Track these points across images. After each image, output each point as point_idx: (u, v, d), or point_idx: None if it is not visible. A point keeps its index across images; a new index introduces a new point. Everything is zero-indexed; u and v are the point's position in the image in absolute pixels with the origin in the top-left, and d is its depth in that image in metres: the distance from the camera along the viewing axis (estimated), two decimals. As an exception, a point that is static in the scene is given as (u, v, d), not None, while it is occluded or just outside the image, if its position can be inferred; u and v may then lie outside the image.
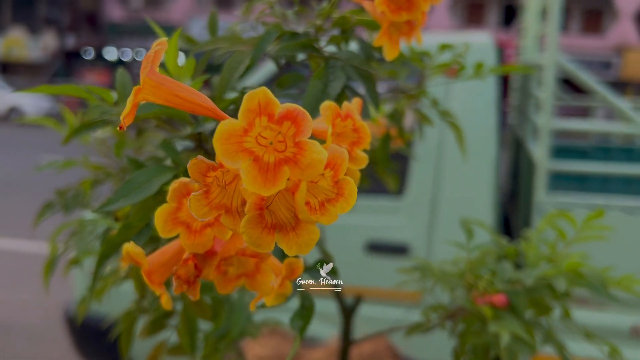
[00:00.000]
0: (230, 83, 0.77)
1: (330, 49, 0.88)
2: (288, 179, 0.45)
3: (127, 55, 23.96)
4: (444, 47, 1.26)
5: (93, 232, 1.32)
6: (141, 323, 1.13)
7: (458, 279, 1.09)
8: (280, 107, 0.46)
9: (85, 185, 1.40)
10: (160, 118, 0.81)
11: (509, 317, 0.98)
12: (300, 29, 0.86)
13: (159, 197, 0.70)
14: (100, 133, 1.45)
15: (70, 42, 24.31)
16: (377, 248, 2.65)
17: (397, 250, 2.65)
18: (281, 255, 0.69)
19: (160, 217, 0.58)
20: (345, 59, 0.81)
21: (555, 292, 1.09)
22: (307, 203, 0.47)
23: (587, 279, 1.03)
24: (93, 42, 24.67)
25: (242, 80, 0.83)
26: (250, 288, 0.65)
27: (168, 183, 0.70)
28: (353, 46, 0.94)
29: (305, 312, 0.73)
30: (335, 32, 0.89)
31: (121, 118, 0.52)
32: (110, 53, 24.64)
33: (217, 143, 0.45)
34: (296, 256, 0.68)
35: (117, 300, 1.53)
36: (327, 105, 0.58)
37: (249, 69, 0.79)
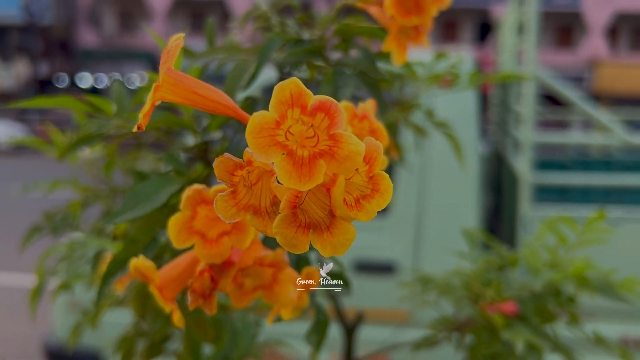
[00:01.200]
0: (234, 92, 0.75)
1: (334, 57, 0.86)
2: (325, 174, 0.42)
3: (102, 82, 23.75)
4: (440, 56, 1.26)
5: (83, 256, 1.27)
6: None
7: (463, 290, 1.07)
8: (313, 98, 0.44)
9: (75, 207, 1.35)
10: (160, 129, 0.78)
11: (520, 325, 0.97)
12: (304, 36, 0.84)
13: (165, 210, 0.67)
14: (89, 153, 1.41)
15: (43, 69, 24.04)
16: (364, 267, 2.62)
17: (384, 268, 2.63)
18: (296, 265, 0.66)
19: (174, 226, 0.55)
20: (353, 65, 0.79)
21: (560, 298, 1.08)
22: (343, 200, 0.45)
23: (594, 283, 1.02)
24: (66, 69, 24.43)
25: (243, 90, 0.81)
26: (267, 300, 0.62)
27: (174, 195, 0.67)
28: (354, 55, 0.93)
29: (320, 327, 0.70)
30: (337, 40, 0.88)
31: (140, 117, 0.50)
32: (84, 80, 24.40)
33: (249, 136, 0.42)
34: (309, 265, 0.65)
35: (98, 331, 1.47)
36: (343, 105, 0.56)
37: (253, 77, 0.77)
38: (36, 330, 3.55)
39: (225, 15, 22.07)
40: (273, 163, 0.43)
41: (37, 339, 3.38)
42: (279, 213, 0.44)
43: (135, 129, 0.50)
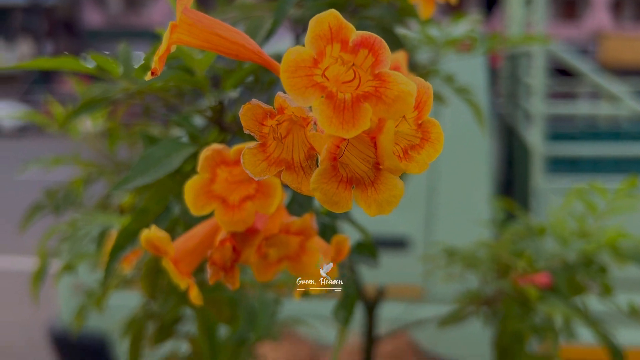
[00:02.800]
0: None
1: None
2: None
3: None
4: (459, 16, 1.19)
5: (87, 235, 1.22)
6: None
7: (490, 262, 1.01)
8: (355, 32, 0.38)
9: (77, 184, 1.29)
10: (169, 92, 0.72)
11: (553, 297, 0.91)
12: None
13: (178, 176, 0.61)
14: (91, 126, 1.35)
15: (48, 50, 23.81)
16: (376, 243, 2.58)
17: (397, 244, 2.59)
18: (322, 234, 0.61)
19: (191, 190, 0.50)
20: (377, 19, 0.73)
21: (591, 269, 1.02)
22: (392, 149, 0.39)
23: (628, 252, 0.96)
24: (71, 49, 24.16)
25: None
26: (294, 272, 0.56)
27: (188, 161, 0.61)
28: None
29: (348, 302, 0.65)
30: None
31: (155, 60, 0.44)
32: (90, 59, 24.18)
33: (284, 76, 0.36)
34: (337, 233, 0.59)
35: (105, 314, 1.42)
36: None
37: (270, 34, 0.70)
38: (40, 316, 3.52)
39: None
40: (310, 108, 0.37)
41: (42, 324, 3.35)
42: (316, 167, 0.38)
43: (149, 76, 0.43)
